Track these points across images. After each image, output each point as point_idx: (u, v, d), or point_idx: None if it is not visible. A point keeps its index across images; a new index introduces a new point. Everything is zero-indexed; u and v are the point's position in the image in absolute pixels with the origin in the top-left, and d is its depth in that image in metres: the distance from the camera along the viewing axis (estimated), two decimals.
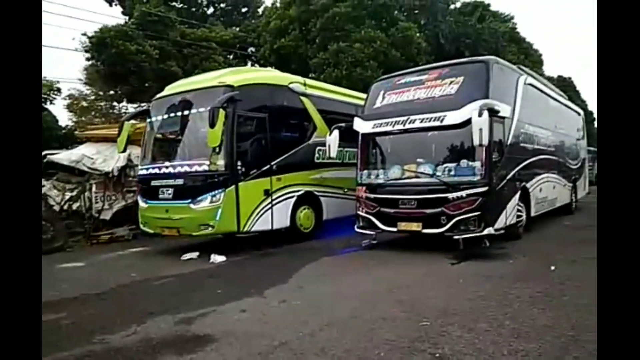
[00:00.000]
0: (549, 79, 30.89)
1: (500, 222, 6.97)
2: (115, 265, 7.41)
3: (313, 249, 7.68)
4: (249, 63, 24.30)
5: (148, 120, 8.53)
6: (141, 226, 8.43)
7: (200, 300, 4.71)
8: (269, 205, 7.83)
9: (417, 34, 18.49)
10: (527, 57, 22.76)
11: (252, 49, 24.07)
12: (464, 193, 6.56)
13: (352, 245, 7.77)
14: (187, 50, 20.79)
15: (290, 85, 8.76)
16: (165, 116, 8.04)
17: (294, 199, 8.33)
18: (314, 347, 3.30)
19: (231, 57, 23.49)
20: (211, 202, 7.20)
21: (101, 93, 25.27)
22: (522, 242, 7.53)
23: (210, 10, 30.46)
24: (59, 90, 24.49)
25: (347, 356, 3.12)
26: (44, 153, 10.26)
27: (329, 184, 9.19)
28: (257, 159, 7.76)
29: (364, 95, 10.68)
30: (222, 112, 6.85)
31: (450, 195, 6.62)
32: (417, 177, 7.04)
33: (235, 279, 5.95)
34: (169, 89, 8.71)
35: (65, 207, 9.57)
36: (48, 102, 24.15)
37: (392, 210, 7.08)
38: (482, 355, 3.06)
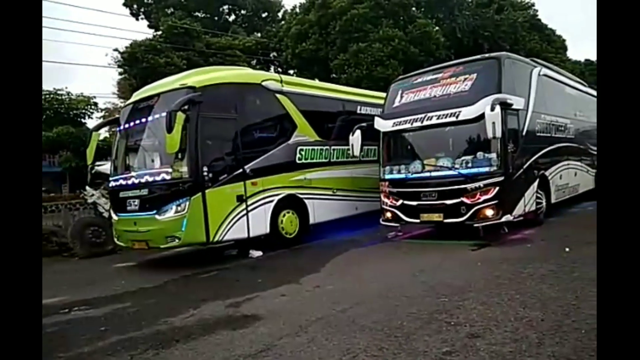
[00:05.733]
0: (576, 63, 30.46)
1: (519, 210, 7.35)
2: (163, 263, 8.21)
3: (342, 243, 8.19)
4: (272, 68, 25.05)
5: (117, 129, 8.27)
6: (115, 240, 8.14)
7: (245, 288, 5.34)
8: (244, 212, 7.37)
9: (435, 29, 18.76)
10: (550, 43, 22.58)
11: (274, 54, 24.82)
12: (481, 183, 6.98)
13: (377, 238, 8.26)
14: (212, 59, 21.71)
15: (264, 83, 8.22)
16: (131, 124, 7.71)
17: (273, 204, 7.88)
18: (346, 320, 3.86)
19: (254, 62, 24.31)
20: (176, 212, 6.78)
21: None
22: (542, 228, 7.85)
23: (232, 17, 31.47)
24: (95, 105, 26.01)
25: (374, 326, 3.65)
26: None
27: (314, 185, 8.72)
28: (226, 163, 7.33)
29: (354, 90, 11.00)
30: (180, 116, 6.44)
31: (469, 186, 7.05)
32: (436, 170, 7.48)
33: (273, 270, 6.60)
34: (134, 95, 8.32)
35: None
36: (86, 117, 25.68)
37: (414, 203, 7.55)
38: (492, 322, 3.53)
